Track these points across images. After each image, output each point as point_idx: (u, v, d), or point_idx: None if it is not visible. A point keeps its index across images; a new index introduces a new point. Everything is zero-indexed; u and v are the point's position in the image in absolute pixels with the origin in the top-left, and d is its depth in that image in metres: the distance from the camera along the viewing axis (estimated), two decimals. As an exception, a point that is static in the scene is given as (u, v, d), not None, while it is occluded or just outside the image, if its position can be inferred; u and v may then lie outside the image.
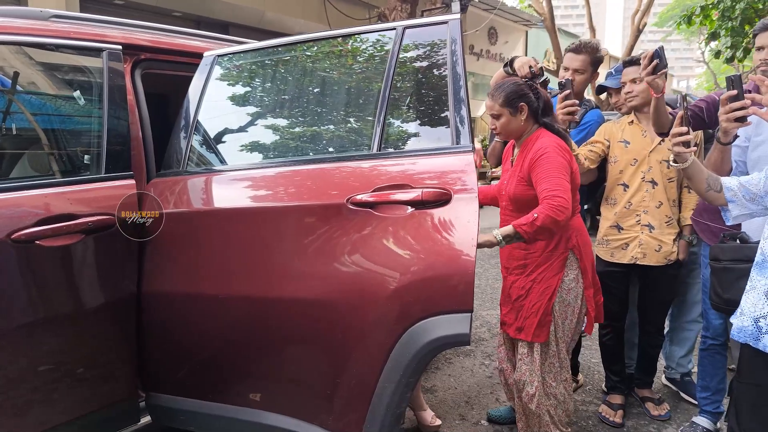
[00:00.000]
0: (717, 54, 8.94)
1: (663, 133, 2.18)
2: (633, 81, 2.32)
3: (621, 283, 2.48)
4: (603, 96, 2.70)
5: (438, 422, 2.39)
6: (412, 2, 7.43)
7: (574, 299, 1.94)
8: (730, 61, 8.66)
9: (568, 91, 2.15)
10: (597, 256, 2.49)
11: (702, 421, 2.37)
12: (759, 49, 2.14)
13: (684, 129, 1.64)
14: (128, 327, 1.76)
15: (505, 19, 15.71)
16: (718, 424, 2.40)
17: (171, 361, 1.83)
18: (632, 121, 2.42)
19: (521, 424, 2.03)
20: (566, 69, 2.50)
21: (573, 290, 1.93)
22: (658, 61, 1.92)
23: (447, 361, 3.12)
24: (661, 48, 1.92)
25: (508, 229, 1.70)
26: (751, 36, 7.52)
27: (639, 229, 2.37)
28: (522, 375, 1.97)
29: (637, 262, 2.39)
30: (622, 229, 2.40)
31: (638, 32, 12.81)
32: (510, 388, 2.22)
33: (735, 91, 1.62)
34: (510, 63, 2.38)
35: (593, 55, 2.44)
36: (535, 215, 1.67)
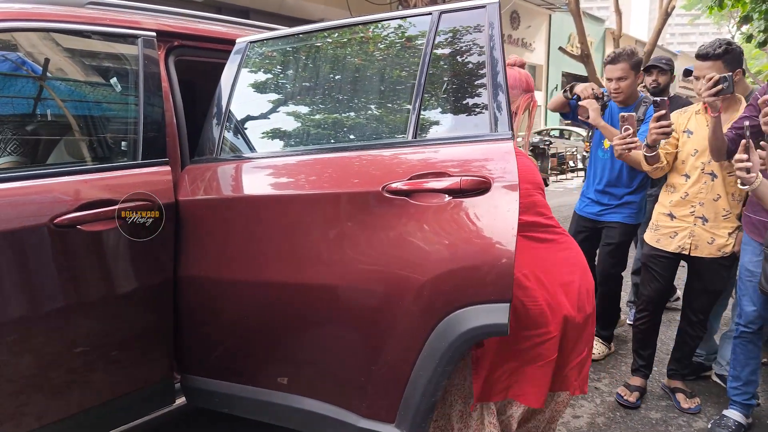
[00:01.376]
0: (749, 38, 8.65)
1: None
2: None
3: (666, 271, 2.46)
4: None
5: None
6: (434, -14, 7.32)
7: None
8: (762, 45, 8.37)
9: (663, 112, 2.18)
10: (644, 239, 2.54)
11: (732, 413, 2.35)
12: None
13: (744, 156, 1.70)
14: (165, 310, 1.79)
15: (527, 2, 15.40)
16: (750, 418, 2.37)
17: (206, 344, 1.86)
18: (699, 111, 2.38)
19: None
20: (610, 80, 2.67)
21: None
22: (724, 86, 1.95)
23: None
24: (730, 76, 1.97)
25: None
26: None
27: (692, 221, 2.35)
28: None
29: (683, 252, 2.37)
30: (675, 218, 2.39)
31: (666, 15, 12.44)
32: None
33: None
34: (570, 89, 2.75)
35: (630, 60, 2.62)
36: None
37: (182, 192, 1.79)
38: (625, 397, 2.54)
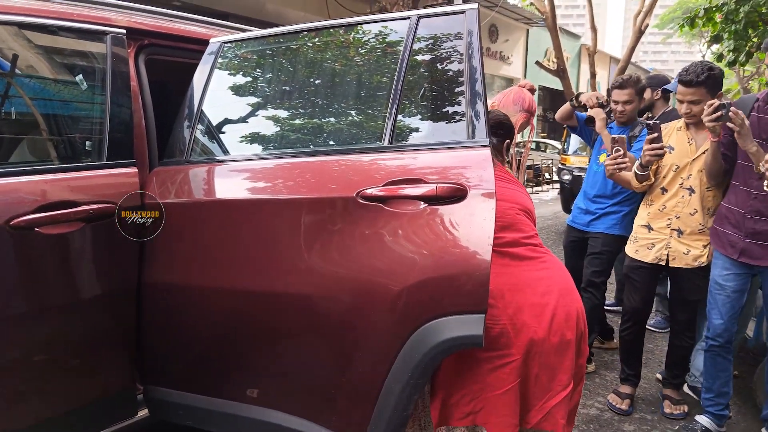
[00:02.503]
0: (719, 57, 8.92)
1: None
2: (692, 102, 2.30)
3: (645, 280, 2.54)
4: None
5: None
6: (414, -4, 7.35)
7: None
8: (732, 64, 8.63)
9: (656, 134, 2.28)
10: (625, 251, 2.63)
11: (703, 420, 2.39)
12: None
13: None
14: (127, 318, 1.72)
15: (506, 17, 15.64)
16: (724, 428, 2.39)
17: (170, 353, 1.78)
18: (681, 128, 2.45)
19: None
20: (616, 103, 2.84)
21: None
22: (723, 113, 2.02)
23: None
24: (729, 103, 2.03)
25: None
26: (754, 40, 7.54)
27: (668, 233, 2.42)
28: None
29: (659, 263, 2.44)
30: (652, 229, 2.47)
31: (640, 33, 12.76)
32: None
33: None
34: (576, 97, 2.90)
35: (636, 86, 2.81)
36: None
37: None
38: (617, 405, 2.59)
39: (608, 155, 2.54)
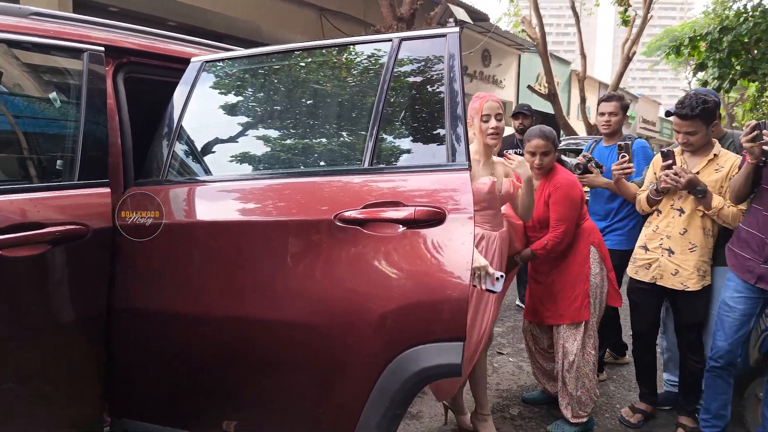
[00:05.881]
0: (704, 84, 9.11)
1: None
2: (689, 133, 2.34)
3: (646, 301, 2.59)
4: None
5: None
6: (408, 21, 7.43)
7: (601, 282, 2.45)
8: (716, 91, 8.81)
9: (670, 161, 2.36)
10: (627, 272, 2.71)
11: None
12: None
13: None
14: (96, 346, 1.65)
15: (498, 43, 15.88)
16: None
17: (142, 384, 1.71)
18: (676, 153, 2.48)
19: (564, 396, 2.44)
20: (602, 114, 3.06)
21: (598, 275, 2.42)
22: (758, 132, 2.01)
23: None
24: (764, 123, 2.01)
25: (527, 252, 2.40)
26: (737, 68, 7.68)
27: (660, 252, 2.48)
28: (567, 353, 2.40)
29: (656, 282, 2.49)
30: (648, 250, 2.53)
31: (628, 60, 13.02)
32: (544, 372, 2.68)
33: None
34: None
35: (621, 101, 3.06)
36: (546, 242, 2.33)
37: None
38: (627, 418, 2.65)
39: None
